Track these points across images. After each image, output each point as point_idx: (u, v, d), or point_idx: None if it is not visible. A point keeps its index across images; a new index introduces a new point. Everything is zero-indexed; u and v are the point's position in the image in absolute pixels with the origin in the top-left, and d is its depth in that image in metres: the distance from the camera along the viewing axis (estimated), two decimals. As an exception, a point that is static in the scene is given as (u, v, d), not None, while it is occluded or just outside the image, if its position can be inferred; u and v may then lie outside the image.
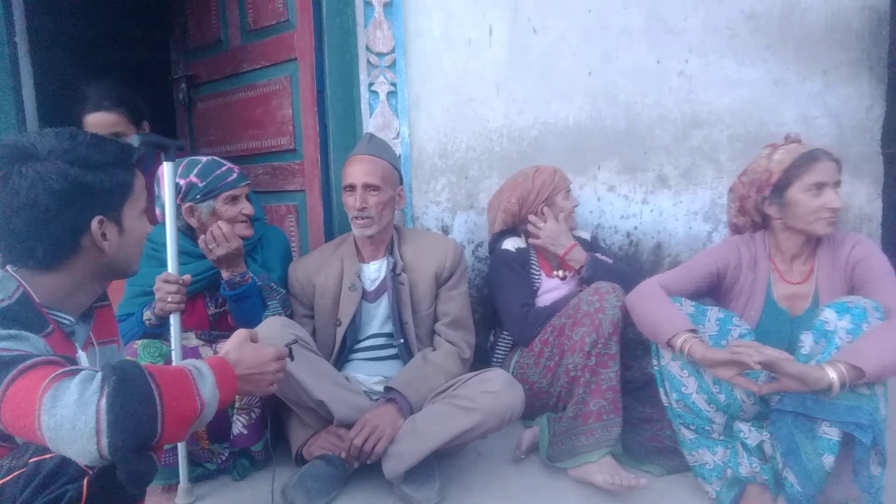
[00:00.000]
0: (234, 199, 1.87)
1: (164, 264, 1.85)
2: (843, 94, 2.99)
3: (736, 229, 1.91)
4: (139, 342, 1.74)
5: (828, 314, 1.54)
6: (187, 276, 1.69)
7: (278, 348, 1.26)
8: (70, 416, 0.86)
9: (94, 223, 1.10)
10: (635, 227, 2.77)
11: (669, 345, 1.61)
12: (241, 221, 1.89)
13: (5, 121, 2.00)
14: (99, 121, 2.17)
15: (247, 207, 1.89)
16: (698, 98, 2.78)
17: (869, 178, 3.09)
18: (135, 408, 0.91)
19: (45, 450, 0.91)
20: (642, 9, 2.66)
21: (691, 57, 2.75)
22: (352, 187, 1.92)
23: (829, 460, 1.46)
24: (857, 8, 2.96)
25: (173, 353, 1.66)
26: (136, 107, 2.28)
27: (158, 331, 1.78)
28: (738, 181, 1.85)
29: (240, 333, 1.24)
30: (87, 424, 0.87)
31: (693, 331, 1.61)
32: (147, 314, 1.76)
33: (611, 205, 2.72)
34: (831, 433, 1.46)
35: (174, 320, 1.66)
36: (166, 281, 1.65)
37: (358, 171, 1.91)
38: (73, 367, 0.94)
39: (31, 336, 1.02)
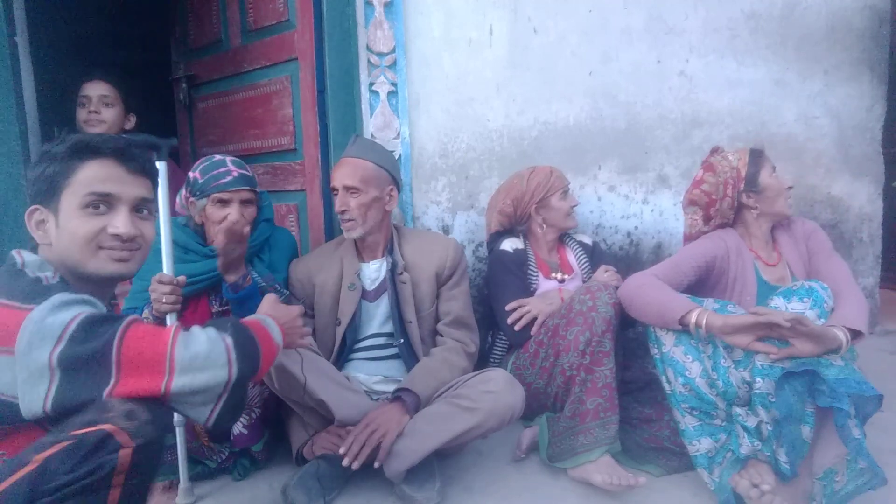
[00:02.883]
0: (221, 203, 1.83)
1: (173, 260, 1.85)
2: (844, 93, 2.99)
3: (695, 239, 1.99)
4: None
5: (777, 301, 1.66)
6: (182, 277, 1.66)
7: (298, 306, 1.49)
8: (205, 350, 1.04)
9: (28, 211, 1.14)
10: (636, 227, 2.77)
11: (683, 323, 1.64)
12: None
13: (5, 121, 1.99)
14: (93, 86, 2.42)
15: (232, 214, 1.82)
16: (698, 98, 2.78)
17: (869, 177, 3.10)
18: (249, 347, 1.12)
19: (88, 423, 0.97)
20: (642, 9, 2.66)
21: (692, 57, 2.75)
22: (335, 190, 1.94)
23: (806, 430, 1.54)
24: (857, 8, 2.96)
25: None
26: (130, 93, 2.50)
27: None
28: (697, 191, 1.96)
29: (269, 297, 1.44)
30: (221, 356, 1.06)
31: None
32: (146, 313, 1.75)
33: (611, 205, 2.72)
34: (807, 405, 1.54)
35: (171, 321, 1.65)
36: (160, 282, 1.62)
37: (339, 173, 1.93)
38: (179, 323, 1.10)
39: (98, 302, 1.09)
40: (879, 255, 3.16)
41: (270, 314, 1.32)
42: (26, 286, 1.07)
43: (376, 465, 1.65)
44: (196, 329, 1.08)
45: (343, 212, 1.91)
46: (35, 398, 0.99)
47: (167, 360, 1.01)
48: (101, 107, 2.41)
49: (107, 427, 0.95)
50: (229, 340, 1.08)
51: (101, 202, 1.16)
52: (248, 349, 1.11)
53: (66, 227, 1.15)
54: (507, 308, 2.07)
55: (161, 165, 1.62)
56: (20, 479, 0.94)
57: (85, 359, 0.99)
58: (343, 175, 1.92)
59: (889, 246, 3.23)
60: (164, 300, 1.62)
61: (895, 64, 3.07)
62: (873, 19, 2.99)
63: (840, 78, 2.97)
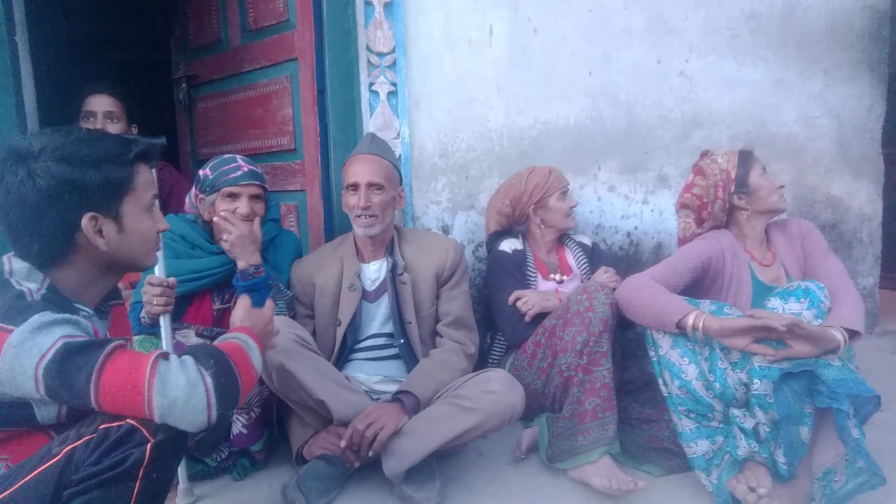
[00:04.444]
0: (231, 196, 1.86)
1: (179, 255, 1.85)
2: (844, 93, 2.99)
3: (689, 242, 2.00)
4: (136, 338, 1.73)
5: (774, 302, 1.67)
6: (172, 279, 1.64)
7: (270, 304, 1.47)
8: (183, 396, 1.02)
9: (85, 220, 1.11)
10: (636, 227, 2.77)
11: (680, 326, 1.65)
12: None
13: (5, 121, 1.99)
14: (98, 100, 2.39)
15: (242, 207, 1.85)
16: (699, 98, 2.78)
17: (869, 177, 3.09)
18: (229, 384, 1.10)
19: (114, 418, 1.02)
20: (642, 9, 2.66)
21: (692, 57, 2.75)
22: (355, 186, 1.91)
23: (804, 431, 1.54)
24: (857, 8, 2.96)
25: None
26: (132, 105, 2.49)
27: (153, 330, 1.76)
28: (689, 195, 1.98)
29: (244, 301, 1.42)
30: (200, 402, 1.03)
31: None
32: (143, 312, 1.75)
33: (611, 205, 2.72)
34: (805, 406, 1.55)
35: (164, 322, 1.63)
36: (150, 283, 1.61)
37: (362, 170, 1.91)
38: (160, 352, 1.06)
39: (82, 321, 1.09)
40: (879, 255, 3.16)
41: (248, 325, 1.32)
42: (9, 302, 1.05)
43: (371, 454, 1.66)
44: (175, 365, 1.04)
45: (366, 208, 1.89)
46: (50, 413, 1.07)
47: (146, 407, 1.01)
48: (106, 123, 2.40)
49: (132, 421, 1.02)
50: (209, 381, 1.05)
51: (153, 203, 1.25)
52: (229, 387, 1.10)
53: (136, 230, 1.18)
54: (509, 303, 2.07)
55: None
56: (47, 469, 1.00)
57: (68, 398, 1.02)
58: (367, 171, 1.90)
59: (889, 246, 3.22)
60: (154, 302, 1.61)
61: (895, 64, 3.07)
62: (873, 19, 2.99)
63: (840, 78, 2.97)
